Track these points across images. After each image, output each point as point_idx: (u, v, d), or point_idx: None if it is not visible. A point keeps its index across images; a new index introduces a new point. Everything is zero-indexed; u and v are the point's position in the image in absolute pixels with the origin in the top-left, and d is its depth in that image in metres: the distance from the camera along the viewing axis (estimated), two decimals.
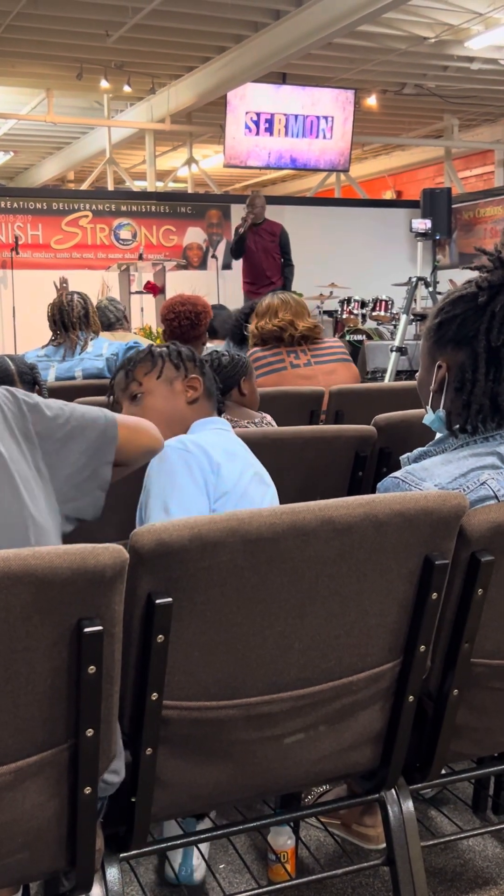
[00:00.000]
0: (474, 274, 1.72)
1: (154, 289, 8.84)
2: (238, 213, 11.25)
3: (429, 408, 1.77)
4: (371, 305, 9.77)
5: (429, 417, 1.77)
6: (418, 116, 12.95)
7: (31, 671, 1.26)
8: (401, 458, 1.80)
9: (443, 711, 1.66)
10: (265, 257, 8.73)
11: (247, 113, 10.81)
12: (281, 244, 8.83)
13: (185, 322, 4.02)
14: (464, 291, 1.71)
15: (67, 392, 3.76)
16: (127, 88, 10.41)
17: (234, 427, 2.64)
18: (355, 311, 9.84)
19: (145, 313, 9.49)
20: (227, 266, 11.04)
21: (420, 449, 1.79)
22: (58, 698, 1.29)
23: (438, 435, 1.79)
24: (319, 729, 1.57)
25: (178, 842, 1.73)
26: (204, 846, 2.07)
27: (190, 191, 13.17)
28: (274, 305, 3.87)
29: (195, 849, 2.04)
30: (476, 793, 2.33)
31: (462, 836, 2.18)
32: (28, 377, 2.37)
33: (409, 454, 1.80)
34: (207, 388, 2.24)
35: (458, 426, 1.71)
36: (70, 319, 4.43)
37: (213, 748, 1.50)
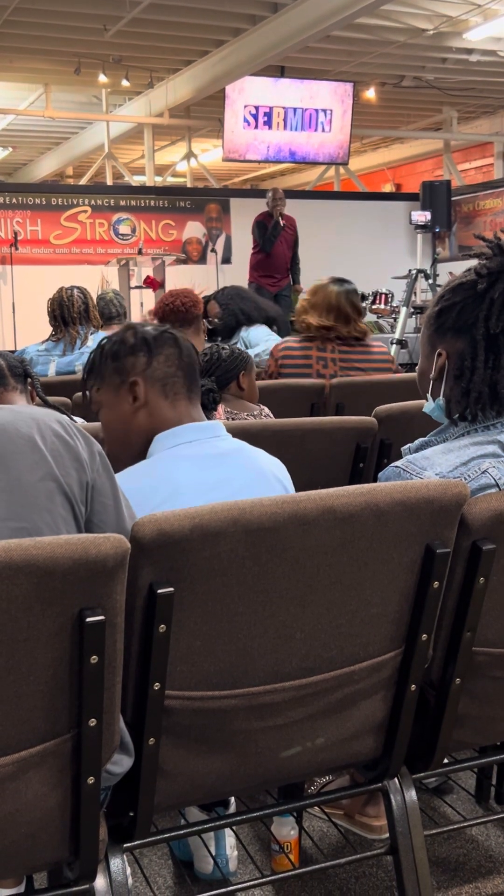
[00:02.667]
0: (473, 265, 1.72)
1: (153, 283, 8.84)
2: (238, 207, 11.28)
3: (429, 396, 1.77)
4: (371, 298, 9.74)
5: (428, 406, 1.77)
6: (417, 109, 12.93)
7: (33, 661, 1.26)
8: (402, 448, 1.80)
9: (445, 700, 1.66)
10: (285, 250, 8.76)
11: (245, 106, 10.79)
12: (296, 237, 8.85)
13: (179, 314, 4.01)
14: (463, 279, 1.71)
15: (68, 386, 3.76)
16: (125, 83, 10.39)
17: (233, 420, 2.64)
18: None
19: (145, 308, 9.48)
20: (226, 260, 11.03)
21: (421, 439, 1.79)
22: (60, 688, 1.30)
23: (440, 426, 1.79)
24: (321, 718, 1.57)
25: (181, 832, 1.73)
26: (228, 842, 2.05)
27: (189, 185, 13.15)
28: (332, 301, 3.72)
29: (225, 837, 2.03)
30: (479, 782, 2.34)
31: (465, 824, 2.19)
32: (19, 370, 2.36)
33: (410, 445, 1.80)
34: (186, 386, 1.90)
35: (457, 414, 1.71)
36: (70, 314, 4.42)
37: (215, 738, 1.51)
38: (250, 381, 2.97)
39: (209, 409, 2.79)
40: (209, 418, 2.75)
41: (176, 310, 3.99)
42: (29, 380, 2.36)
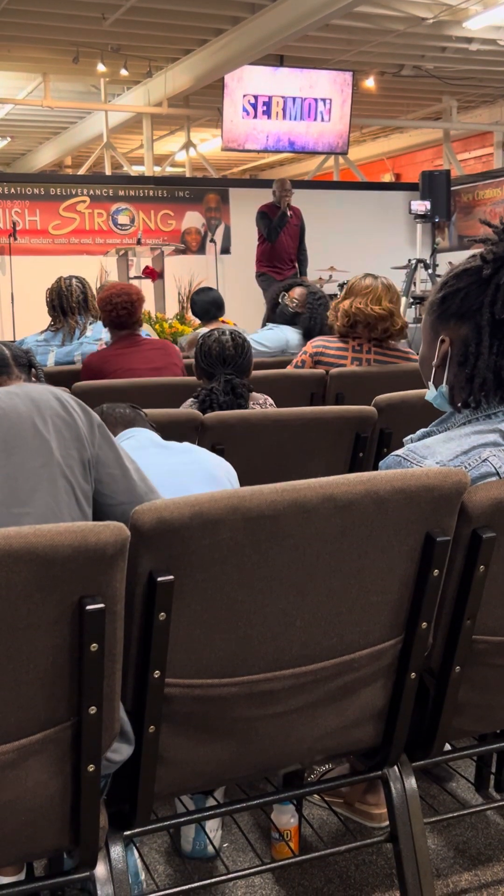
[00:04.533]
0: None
1: (153, 274, 8.82)
2: (237, 196, 11.24)
3: (431, 384, 1.76)
4: None
5: (431, 393, 1.76)
6: (417, 98, 12.87)
7: (33, 649, 1.26)
8: (404, 439, 1.79)
9: (445, 688, 1.66)
10: (290, 241, 8.74)
11: (244, 96, 10.74)
12: (302, 228, 8.83)
13: (122, 311, 4.03)
14: (468, 265, 1.69)
15: (66, 376, 3.76)
16: (124, 72, 10.34)
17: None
18: None
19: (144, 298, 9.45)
20: (225, 250, 11.00)
21: (423, 430, 1.78)
22: (60, 676, 1.30)
23: (440, 415, 1.78)
24: (321, 706, 1.57)
25: (181, 819, 1.74)
26: (211, 824, 2.08)
27: (188, 175, 13.10)
28: (379, 291, 3.60)
29: (207, 824, 2.05)
30: (478, 770, 2.34)
31: (464, 812, 2.19)
32: (23, 360, 2.36)
33: (412, 435, 1.79)
34: None
35: (461, 402, 1.70)
36: (69, 304, 4.42)
37: (215, 726, 1.51)
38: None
39: (244, 399, 2.79)
40: (244, 408, 2.77)
41: (124, 306, 4.02)
42: (32, 370, 2.37)
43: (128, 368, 3.85)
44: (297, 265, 8.87)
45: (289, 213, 8.60)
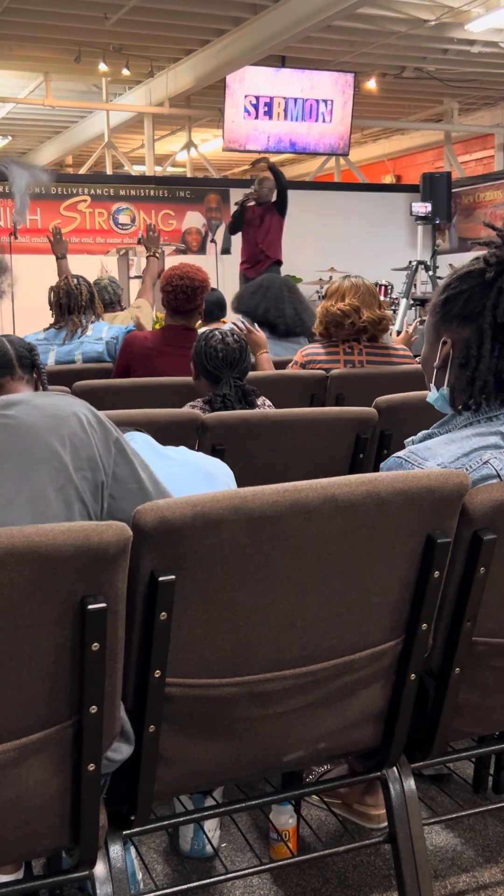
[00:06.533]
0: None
1: None
2: (238, 197, 11.22)
3: (432, 385, 1.77)
4: None
5: (432, 395, 1.77)
6: (418, 100, 12.87)
7: (35, 648, 1.26)
8: (406, 441, 1.79)
9: (444, 690, 1.67)
10: (264, 237, 8.68)
11: (246, 96, 10.74)
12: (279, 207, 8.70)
13: (181, 296, 3.96)
14: (471, 267, 1.70)
15: (67, 376, 3.76)
16: (125, 72, 10.34)
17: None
18: None
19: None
20: (226, 250, 11.00)
21: (424, 432, 1.78)
22: (61, 675, 1.30)
23: (441, 416, 1.78)
24: (321, 707, 1.57)
25: (181, 819, 1.74)
26: (210, 824, 2.08)
27: (189, 175, 13.10)
28: (343, 288, 3.65)
29: (206, 824, 2.06)
30: (476, 772, 2.34)
31: (463, 814, 2.19)
32: (27, 361, 2.35)
33: (413, 437, 1.79)
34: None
35: (461, 404, 1.71)
36: (78, 304, 4.43)
37: (215, 725, 1.51)
38: None
39: (253, 406, 2.79)
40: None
41: (184, 291, 3.92)
42: (35, 369, 2.36)
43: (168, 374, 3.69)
44: (268, 257, 8.74)
45: (249, 203, 8.48)
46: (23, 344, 2.38)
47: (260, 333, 3.99)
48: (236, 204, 8.64)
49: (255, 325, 4.29)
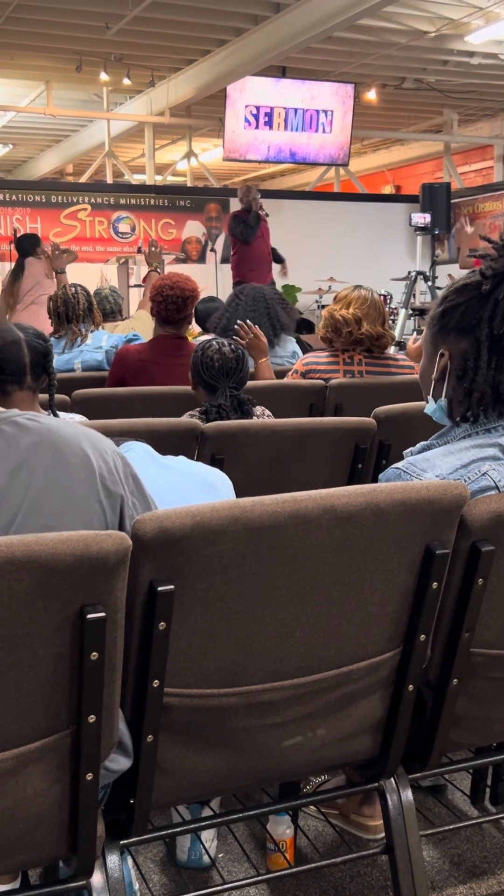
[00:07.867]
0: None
1: None
2: (237, 206, 11.24)
3: (430, 397, 1.77)
4: None
5: (430, 407, 1.77)
6: (418, 111, 12.93)
7: (34, 657, 1.26)
8: (404, 452, 1.80)
9: (442, 701, 1.67)
10: (265, 244, 8.69)
11: (246, 106, 10.78)
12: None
13: (171, 306, 3.95)
14: (468, 280, 1.71)
15: (67, 384, 3.75)
16: (126, 81, 10.38)
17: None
18: None
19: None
20: (225, 260, 11.02)
21: (423, 443, 1.79)
22: (60, 684, 1.30)
23: (439, 427, 1.79)
24: (319, 717, 1.58)
25: (178, 829, 1.74)
26: (207, 834, 2.08)
27: (189, 184, 13.14)
28: (351, 297, 3.64)
29: (203, 834, 2.05)
30: (474, 783, 2.34)
31: (460, 825, 2.19)
32: (39, 368, 2.35)
33: (412, 448, 1.80)
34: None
35: (459, 416, 1.71)
36: (76, 312, 4.44)
37: (213, 736, 1.51)
38: None
39: (249, 415, 2.79)
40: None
41: (174, 301, 3.92)
42: (45, 376, 2.36)
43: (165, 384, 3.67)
44: (274, 270, 8.78)
45: (263, 213, 8.51)
46: (40, 347, 2.35)
47: (263, 339, 3.97)
48: (246, 211, 8.57)
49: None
